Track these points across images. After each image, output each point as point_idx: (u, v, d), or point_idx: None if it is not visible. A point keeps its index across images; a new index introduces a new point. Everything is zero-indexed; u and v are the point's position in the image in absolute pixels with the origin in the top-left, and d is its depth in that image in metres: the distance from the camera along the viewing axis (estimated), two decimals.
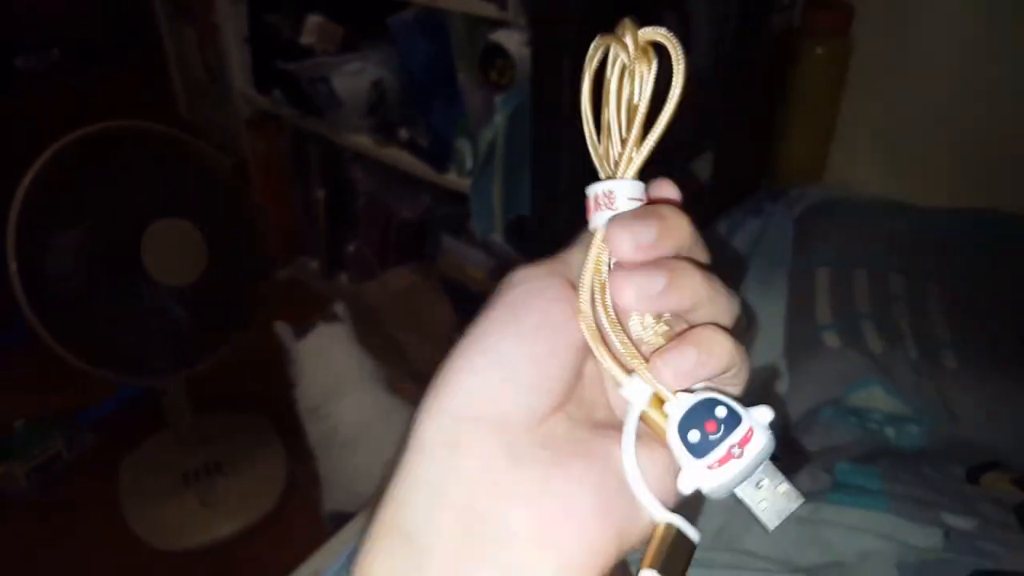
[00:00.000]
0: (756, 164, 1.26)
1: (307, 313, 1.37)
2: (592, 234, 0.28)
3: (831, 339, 0.89)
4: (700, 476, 0.25)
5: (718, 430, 0.25)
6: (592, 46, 0.28)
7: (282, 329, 1.28)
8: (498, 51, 1.28)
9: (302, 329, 1.30)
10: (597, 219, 0.28)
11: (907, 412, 0.83)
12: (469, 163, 1.45)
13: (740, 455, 0.25)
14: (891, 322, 0.90)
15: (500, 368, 0.26)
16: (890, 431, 0.82)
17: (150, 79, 2.58)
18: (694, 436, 0.25)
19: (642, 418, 0.27)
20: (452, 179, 1.52)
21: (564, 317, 0.27)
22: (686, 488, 0.26)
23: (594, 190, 0.28)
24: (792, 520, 0.76)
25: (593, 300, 0.27)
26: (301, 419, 1.31)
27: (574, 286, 0.28)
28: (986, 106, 1.12)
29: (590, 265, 0.27)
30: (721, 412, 0.25)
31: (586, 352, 0.28)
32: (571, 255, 0.30)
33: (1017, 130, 1.11)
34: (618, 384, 0.27)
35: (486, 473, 0.25)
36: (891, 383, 0.84)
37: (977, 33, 1.11)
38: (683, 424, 0.25)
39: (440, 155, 1.53)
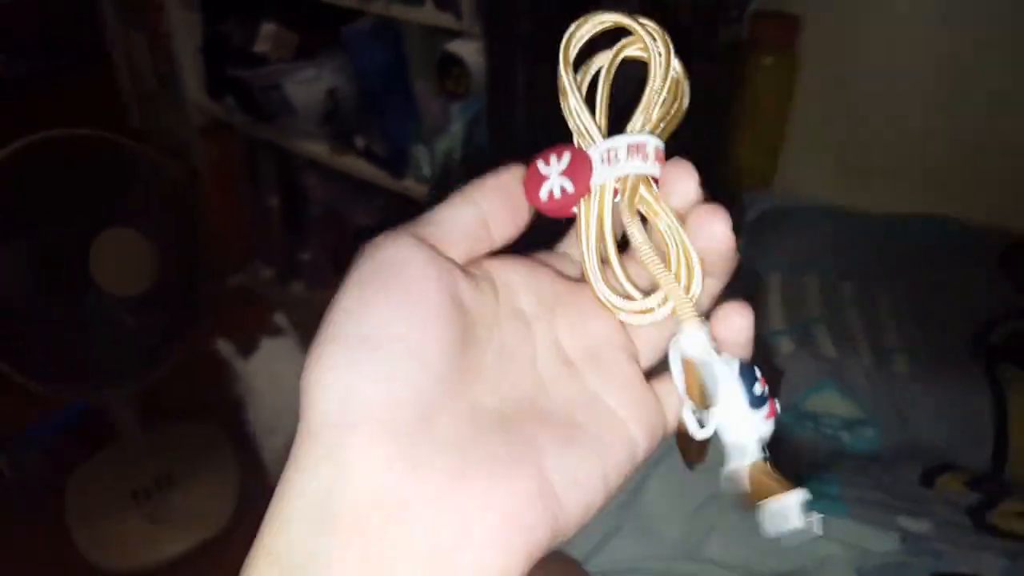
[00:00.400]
0: (707, 174, 1.27)
1: (261, 321, 1.35)
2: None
3: (785, 344, 0.90)
4: (760, 425, 0.27)
5: (765, 388, 0.27)
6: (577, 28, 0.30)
7: (224, 346, 1.26)
8: (454, 60, 1.27)
9: (245, 345, 1.28)
10: (605, 172, 0.29)
11: (861, 415, 0.84)
12: (426, 170, 1.45)
13: (778, 412, 0.27)
14: (843, 327, 0.92)
15: (365, 358, 0.23)
16: (845, 435, 0.84)
17: (99, 86, 2.52)
18: (756, 389, 0.27)
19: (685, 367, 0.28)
20: (409, 185, 1.51)
21: (424, 279, 0.24)
22: (752, 437, 0.27)
23: (615, 143, 0.29)
24: (753, 527, 0.76)
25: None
26: (255, 436, 1.29)
27: (432, 244, 0.26)
28: (931, 113, 1.15)
29: (597, 214, 0.29)
30: (758, 374, 0.27)
31: (467, 318, 0.25)
32: (438, 213, 0.28)
33: (962, 136, 1.13)
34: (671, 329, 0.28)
35: (376, 489, 0.21)
36: (845, 386, 0.85)
37: (922, 40, 1.13)
38: (744, 377, 0.27)
39: (396, 162, 1.52)
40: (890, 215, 1.13)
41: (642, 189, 0.29)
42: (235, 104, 1.73)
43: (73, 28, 2.78)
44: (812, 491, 0.72)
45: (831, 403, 0.85)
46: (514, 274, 0.28)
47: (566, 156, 0.29)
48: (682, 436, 0.29)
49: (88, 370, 1.25)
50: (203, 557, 1.40)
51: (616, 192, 0.29)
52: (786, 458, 0.82)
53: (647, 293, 0.28)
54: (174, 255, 1.29)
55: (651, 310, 0.28)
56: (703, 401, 0.27)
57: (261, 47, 1.64)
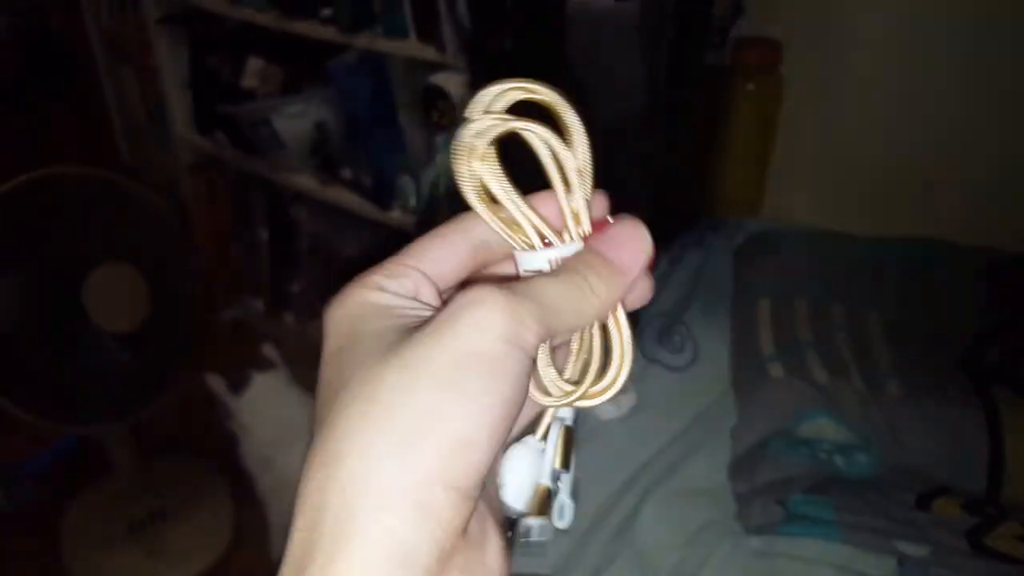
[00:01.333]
0: (693, 200, 1.28)
1: (252, 354, 1.35)
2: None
3: (776, 370, 0.90)
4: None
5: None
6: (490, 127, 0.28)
7: (215, 382, 1.26)
8: (438, 93, 1.28)
9: (236, 381, 1.28)
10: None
11: (855, 441, 0.84)
12: (412, 201, 1.45)
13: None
14: (834, 352, 0.92)
15: None
16: (840, 460, 0.83)
17: (89, 122, 2.53)
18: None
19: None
20: (396, 216, 1.52)
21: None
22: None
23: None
24: (749, 554, 0.75)
25: None
26: (250, 470, 1.28)
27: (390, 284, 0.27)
28: (915, 135, 1.16)
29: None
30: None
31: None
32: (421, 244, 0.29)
33: (946, 157, 1.14)
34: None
35: None
36: (838, 413, 0.85)
37: (904, 63, 1.14)
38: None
39: (383, 193, 1.53)
40: (876, 237, 1.13)
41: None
42: (224, 139, 1.73)
43: (62, 64, 2.79)
44: (808, 515, 0.71)
45: (824, 430, 0.85)
46: None
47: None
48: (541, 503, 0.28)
49: (82, 405, 1.25)
50: None
51: None
52: (780, 483, 0.81)
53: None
54: (166, 290, 1.29)
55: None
56: (565, 464, 0.28)
57: (248, 82, 1.65)
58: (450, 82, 1.26)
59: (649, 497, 0.83)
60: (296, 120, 1.57)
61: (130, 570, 1.40)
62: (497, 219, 0.28)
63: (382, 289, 0.27)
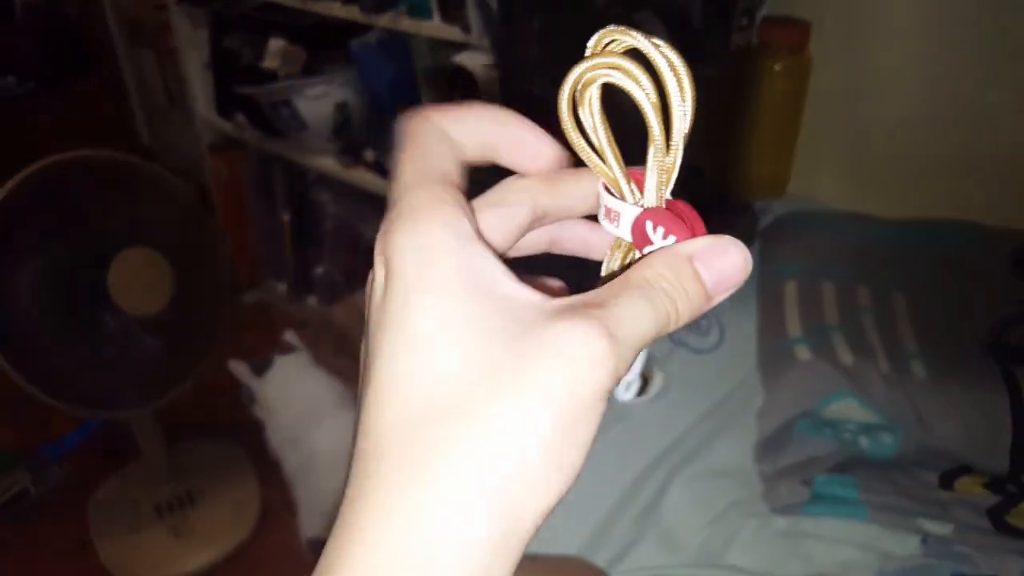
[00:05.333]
0: (720, 182, 1.27)
1: (276, 337, 1.36)
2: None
3: (802, 352, 0.91)
4: None
5: None
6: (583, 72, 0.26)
7: (238, 366, 1.27)
8: (462, 73, 1.28)
9: (259, 364, 1.29)
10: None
11: (880, 422, 0.85)
12: None
13: None
14: (860, 334, 0.92)
15: None
16: (864, 441, 0.84)
17: (109, 104, 2.54)
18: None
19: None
20: None
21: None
22: None
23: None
24: (774, 533, 0.76)
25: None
26: (276, 452, 1.30)
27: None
28: (945, 117, 1.15)
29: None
30: None
31: None
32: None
33: (974, 139, 1.14)
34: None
35: None
36: (863, 394, 0.85)
37: (933, 45, 1.13)
38: None
39: None
40: (903, 219, 1.13)
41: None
42: (245, 121, 1.74)
43: (81, 47, 2.80)
44: (832, 495, 0.72)
45: (850, 411, 0.85)
46: None
47: (671, 236, 0.26)
48: None
49: (107, 389, 1.26)
50: (227, 569, 1.41)
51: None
52: (806, 464, 0.82)
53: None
54: (190, 274, 1.30)
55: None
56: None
57: (270, 63, 1.65)
58: (474, 62, 1.26)
59: (675, 478, 0.84)
60: (318, 101, 1.58)
61: (158, 552, 1.42)
62: (591, 154, 0.27)
63: (476, 232, 0.23)
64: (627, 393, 0.25)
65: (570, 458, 0.21)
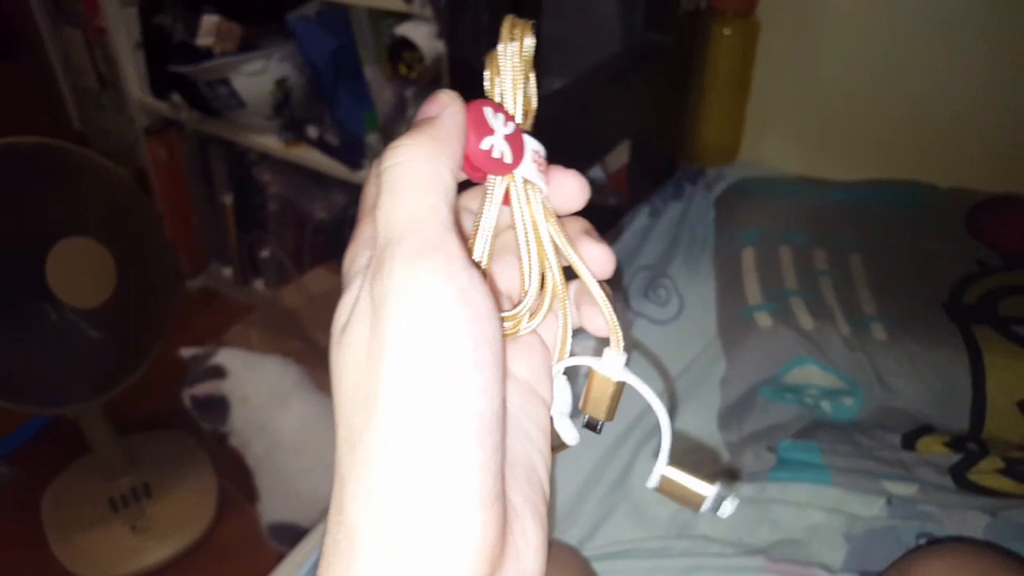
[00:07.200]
0: (672, 147, 1.27)
1: (224, 322, 1.33)
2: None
3: (762, 319, 0.90)
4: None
5: None
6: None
7: (187, 354, 1.24)
8: (406, 44, 1.25)
9: (208, 351, 1.26)
10: (526, 167, 0.28)
11: (842, 385, 0.85)
12: None
13: None
14: (819, 298, 0.92)
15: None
16: (826, 405, 0.84)
17: (35, 89, 2.42)
18: None
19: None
20: (366, 176, 1.48)
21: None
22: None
23: (534, 144, 0.29)
24: (742, 501, 0.76)
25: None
26: (237, 439, 1.27)
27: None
28: (895, 79, 1.15)
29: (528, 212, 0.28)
30: None
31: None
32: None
33: (924, 101, 1.14)
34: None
35: None
36: (824, 359, 0.85)
37: (881, 6, 1.13)
38: None
39: (352, 152, 1.49)
40: (858, 181, 1.13)
41: (542, 200, 0.28)
42: (181, 101, 1.67)
43: (1, 28, 2.67)
44: (797, 460, 0.72)
45: (811, 375, 0.85)
46: None
47: (510, 124, 0.27)
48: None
49: (52, 385, 1.21)
50: (188, 561, 1.38)
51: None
52: (769, 430, 0.82)
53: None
54: (132, 262, 1.25)
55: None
56: (608, 414, 0.30)
57: (204, 40, 1.58)
58: (417, 32, 1.23)
59: (642, 450, 0.84)
60: (256, 78, 1.52)
61: (116, 547, 1.38)
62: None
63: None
64: (571, 431, 0.25)
65: None
